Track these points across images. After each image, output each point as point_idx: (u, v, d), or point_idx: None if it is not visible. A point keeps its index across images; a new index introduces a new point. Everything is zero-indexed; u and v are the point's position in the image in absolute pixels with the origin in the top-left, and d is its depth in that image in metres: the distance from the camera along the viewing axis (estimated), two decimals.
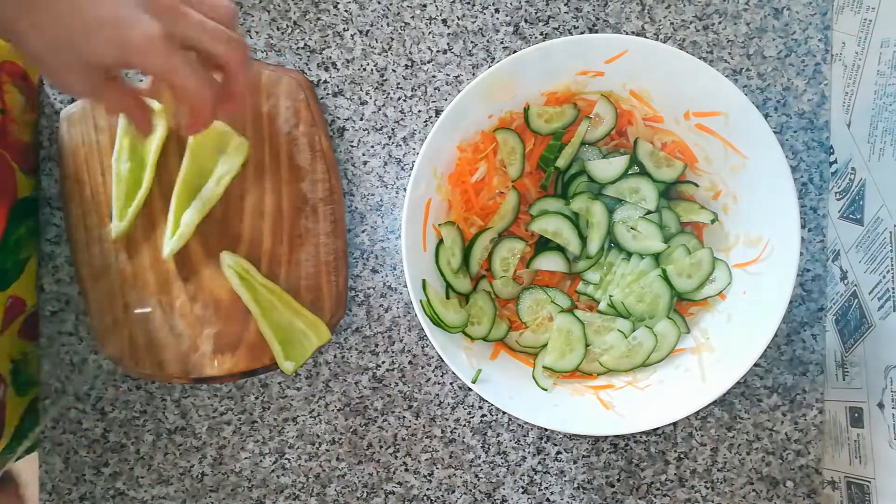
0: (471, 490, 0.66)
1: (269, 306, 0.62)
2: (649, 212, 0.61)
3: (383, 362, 0.66)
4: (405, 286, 0.66)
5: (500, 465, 0.66)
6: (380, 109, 0.66)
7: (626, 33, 0.66)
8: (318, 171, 0.63)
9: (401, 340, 0.66)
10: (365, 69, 0.66)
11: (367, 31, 0.66)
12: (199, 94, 0.48)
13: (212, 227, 0.63)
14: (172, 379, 0.63)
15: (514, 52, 0.65)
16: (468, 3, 0.66)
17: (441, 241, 0.60)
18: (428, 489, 0.66)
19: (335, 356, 0.66)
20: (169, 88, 0.49)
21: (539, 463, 0.66)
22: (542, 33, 0.66)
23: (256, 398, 0.66)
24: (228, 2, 0.50)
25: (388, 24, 0.66)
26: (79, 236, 0.64)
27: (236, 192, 0.63)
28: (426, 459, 0.66)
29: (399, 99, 0.66)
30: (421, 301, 0.57)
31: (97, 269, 0.63)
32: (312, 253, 0.63)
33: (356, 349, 0.66)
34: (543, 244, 0.63)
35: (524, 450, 0.66)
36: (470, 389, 0.63)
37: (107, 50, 0.45)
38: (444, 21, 0.66)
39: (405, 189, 0.58)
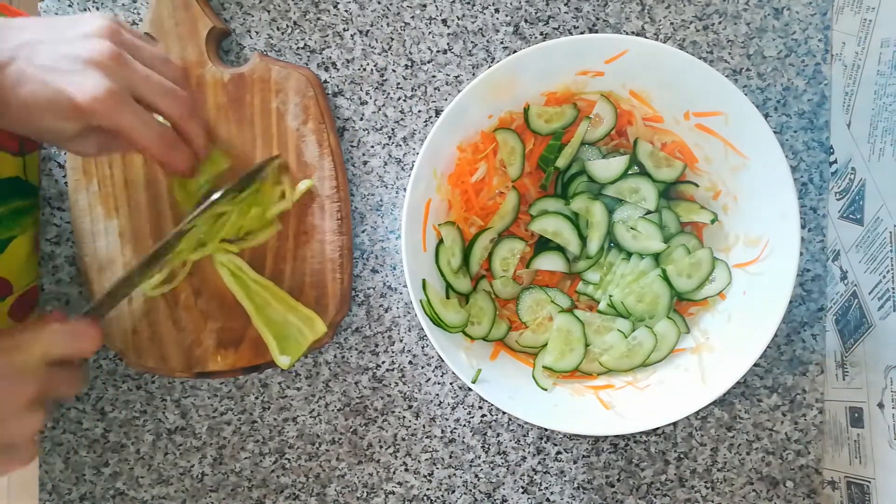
0: (471, 490, 0.66)
1: (263, 303, 0.62)
2: (649, 212, 0.61)
3: (383, 362, 0.66)
4: (405, 286, 0.66)
5: (500, 465, 0.66)
6: (380, 109, 0.66)
7: (626, 33, 0.66)
8: (325, 168, 0.63)
9: (401, 340, 0.66)
10: (365, 69, 0.66)
11: (367, 31, 0.66)
12: (153, 146, 0.52)
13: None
14: (175, 373, 0.63)
15: (514, 52, 0.65)
16: (468, 3, 0.66)
17: (441, 241, 0.60)
18: (428, 489, 0.66)
19: (335, 356, 0.66)
20: (124, 139, 0.52)
21: (539, 463, 0.66)
22: (542, 33, 0.66)
23: (256, 398, 0.66)
24: (173, 59, 0.55)
25: (388, 24, 0.66)
26: (84, 227, 0.64)
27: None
28: (426, 459, 0.66)
29: (399, 99, 0.66)
30: (421, 301, 0.57)
31: (102, 260, 0.63)
32: (318, 250, 0.63)
33: (356, 349, 0.66)
34: (543, 244, 0.63)
35: (524, 450, 0.66)
36: (470, 389, 0.63)
37: (66, 123, 0.49)
38: (444, 21, 0.66)
39: (405, 189, 0.58)
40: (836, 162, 0.65)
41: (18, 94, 0.48)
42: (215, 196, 0.57)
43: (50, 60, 0.48)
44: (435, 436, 0.66)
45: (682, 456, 0.65)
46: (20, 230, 0.66)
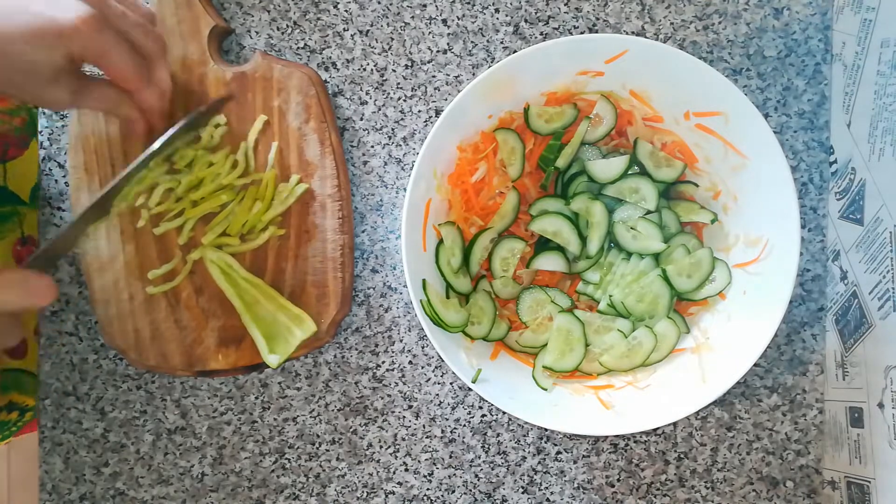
0: (471, 490, 0.66)
1: (253, 301, 0.62)
2: (649, 212, 0.61)
3: (383, 362, 0.66)
4: (405, 286, 0.66)
5: (500, 465, 0.66)
6: (380, 109, 0.66)
7: (626, 33, 0.66)
8: (327, 167, 0.63)
9: (401, 340, 0.66)
10: (365, 69, 0.66)
11: (367, 31, 0.66)
12: (130, 71, 0.51)
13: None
14: (177, 371, 0.63)
15: (514, 52, 0.65)
16: (468, 3, 0.66)
17: (441, 241, 0.60)
18: (428, 489, 0.66)
19: (335, 356, 0.66)
20: (103, 69, 0.51)
21: (539, 463, 0.66)
22: (542, 33, 0.66)
23: (256, 398, 0.66)
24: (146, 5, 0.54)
25: (388, 24, 0.66)
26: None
27: (248, 188, 0.63)
28: (426, 459, 0.66)
29: (399, 99, 0.66)
30: (421, 301, 0.57)
31: (104, 259, 0.63)
32: (320, 248, 0.63)
33: (356, 349, 0.66)
34: (543, 244, 0.63)
35: (524, 450, 0.66)
36: (470, 389, 0.63)
37: (48, 53, 0.47)
38: (444, 21, 0.66)
39: (405, 189, 0.58)
40: (836, 162, 0.65)
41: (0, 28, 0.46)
42: (165, 137, 0.56)
43: None
44: (435, 436, 0.66)
45: (682, 456, 0.65)
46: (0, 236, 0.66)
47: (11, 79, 0.49)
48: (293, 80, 0.63)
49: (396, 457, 0.66)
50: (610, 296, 0.61)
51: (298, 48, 0.66)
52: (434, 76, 0.66)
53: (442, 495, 0.66)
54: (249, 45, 0.66)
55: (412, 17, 0.66)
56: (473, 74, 0.66)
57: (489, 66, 0.60)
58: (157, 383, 0.66)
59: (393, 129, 0.66)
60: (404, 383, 0.66)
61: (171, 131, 0.56)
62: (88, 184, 0.64)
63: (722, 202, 0.61)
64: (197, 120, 0.59)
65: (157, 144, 0.55)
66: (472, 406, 0.66)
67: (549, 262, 0.62)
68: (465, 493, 0.66)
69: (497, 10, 0.66)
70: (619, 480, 0.65)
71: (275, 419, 0.66)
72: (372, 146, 0.66)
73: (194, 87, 0.63)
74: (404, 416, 0.66)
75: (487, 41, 0.66)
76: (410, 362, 0.66)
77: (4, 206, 0.66)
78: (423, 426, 0.66)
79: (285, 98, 0.63)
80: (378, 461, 0.66)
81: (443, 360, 0.65)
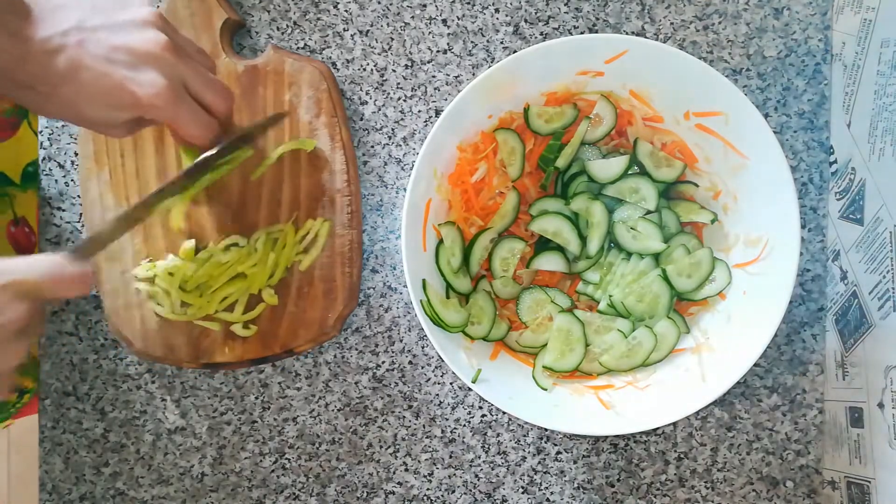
0: (471, 490, 0.66)
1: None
2: (649, 212, 0.61)
3: (383, 362, 0.66)
4: (405, 286, 0.66)
5: (500, 465, 0.66)
6: (380, 109, 0.66)
7: (626, 33, 0.66)
8: (336, 162, 0.63)
9: (401, 340, 0.66)
10: (365, 69, 0.66)
11: (367, 31, 0.66)
12: (200, 136, 0.53)
13: (228, 214, 0.64)
14: (182, 363, 0.63)
15: (514, 52, 0.65)
16: (468, 3, 0.66)
17: (441, 241, 0.60)
18: (428, 489, 0.66)
19: (335, 356, 0.66)
20: (172, 129, 0.53)
21: (539, 463, 0.66)
22: (542, 33, 0.66)
23: (256, 398, 0.66)
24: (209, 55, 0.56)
25: (388, 24, 0.66)
26: (94, 216, 0.64)
27: (254, 181, 0.63)
28: (426, 459, 0.66)
29: (399, 99, 0.66)
30: (421, 301, 0.57)
31: (113, 250, 0.63)
32: (328, 243, 0.63)
33: (356, 349, 0.66)
34: (543, 244, 0.63)
35: (524, 450, 0.66)
36: (470, 389, 0.63)
37: (122, 113, 0.49)
38: (444, 21, 0.66)
39: (405, 189, 0.58)
40: (836, 162, 0.65)
41: (76, 82, 0.47)
42: (210, 152, 0.56)
43: (104, 50, 0.47)
44: (435, 436, 0.66)
45: (682, 456, 0.65)
46: None
47: (78, 123, 0.51)
48: (304, 75, 0.63)
49: (396, 457, 0.66)
50: (610, 296, 0.61)
51: (298, 48, 0.66)
52: (434, 76, 0.66)
53: (442, 495, 0.66)
54: (249, 46, 0.66)
55: (412, 17, 0.66)
56: (473, 74, 0.66)
57: (489, 66, 0.60)
58: (157, 383, 0.66)
59: (393, 129, 0.66)
60: (404, 383, 0.66)
61: (224, 143, 0.56)
62: (98, 174, 0.63)
63: (722, 202, 0.61)
64: (253, 132, 0.60)
65: (212, 151, 0.55)
66: (472, 406, 0.66)
67: (549, 262, 0.62)
68: (465, 493, 0.66)
69: (497, 10, 0.66)
70: (619, 480, 0.65)
71: (275, 419, 0.66)
72: (372, 146, 0.66)
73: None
74: (404, 416, 0.66)
75: (487, 41, 0.66)
76: (410, 362, 0.66)
77: None
78: (423, 426, 0.66)
79: (296, 92, 0.63)
80: (378, 461, 0.66)
81: (443, 360, 0.65)
